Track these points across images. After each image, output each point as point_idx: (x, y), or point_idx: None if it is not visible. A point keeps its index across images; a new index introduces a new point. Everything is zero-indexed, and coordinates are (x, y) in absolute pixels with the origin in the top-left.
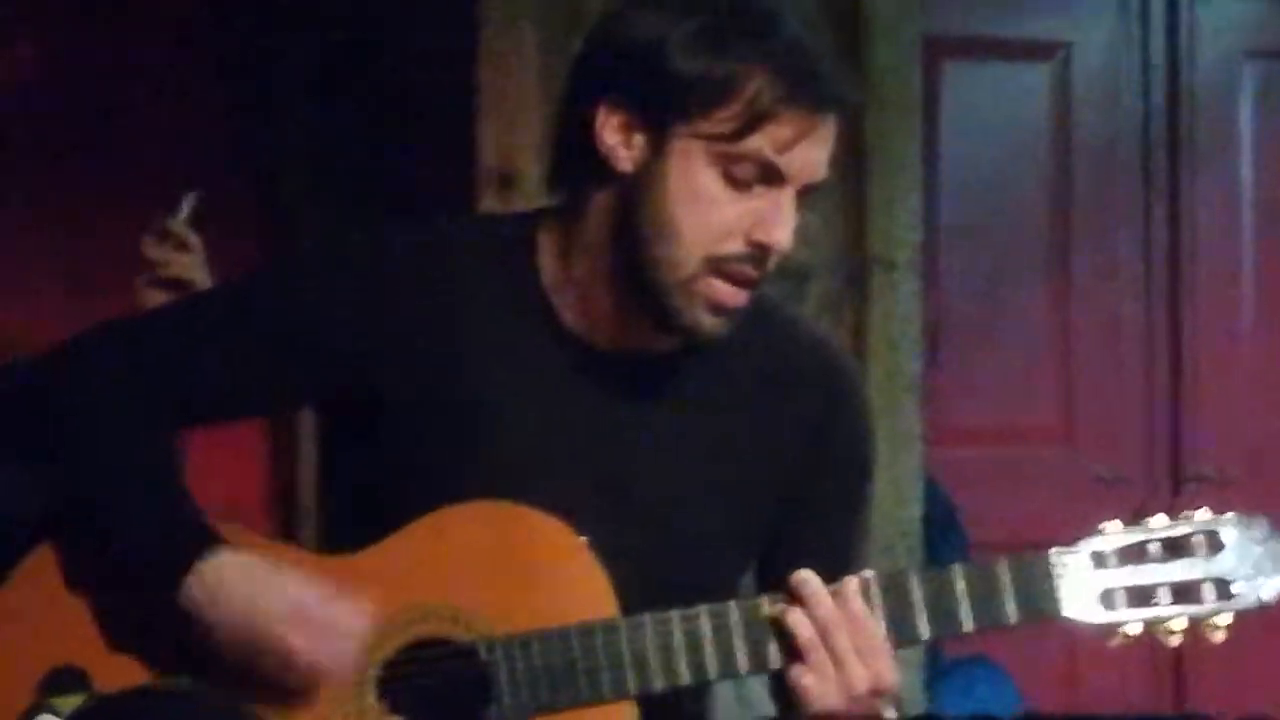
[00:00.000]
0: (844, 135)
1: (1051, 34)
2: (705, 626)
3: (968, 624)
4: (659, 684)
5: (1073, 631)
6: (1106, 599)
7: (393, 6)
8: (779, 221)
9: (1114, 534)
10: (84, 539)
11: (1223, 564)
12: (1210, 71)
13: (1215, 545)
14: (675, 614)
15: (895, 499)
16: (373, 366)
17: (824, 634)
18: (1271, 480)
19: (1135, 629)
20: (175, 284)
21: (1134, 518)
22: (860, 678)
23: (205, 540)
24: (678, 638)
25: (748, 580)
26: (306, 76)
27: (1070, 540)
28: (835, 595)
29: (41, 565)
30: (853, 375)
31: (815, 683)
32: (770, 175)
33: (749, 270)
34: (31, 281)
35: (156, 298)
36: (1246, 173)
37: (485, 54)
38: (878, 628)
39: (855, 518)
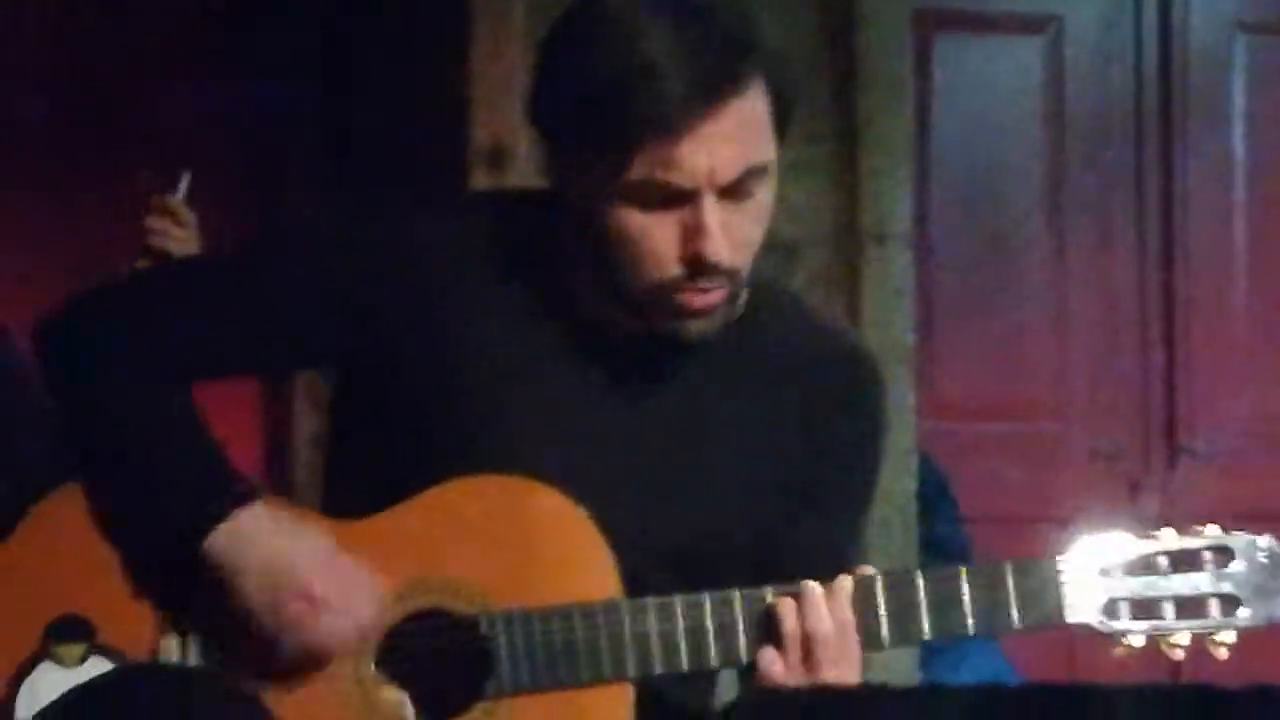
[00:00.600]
0: (826, 104)
1: (1043, 6)
2: (708, 613)
3: (971, 626)
4: (659, 668)
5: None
6: (1111, 609)
7: None
8: (702, 234)
9: (1122, 544)
10: (109, 486)
11: (1230, 580)
12: (1202, 44)
13: (1224, 561)
14: (679, 599)
15: (889, 474)
16: (391, 332)
17: (809, 638)
18: (1265, 455)
19: (1138, 640)
20: (164, 257)
21: (1129, 492)
22: (826, 679)
23: (241, 490)
24: (680, 623)
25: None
26: (299, 55)
27: (1065, 516)
28: (830, 599)
29: (47, 515)
30: (874, 372)
31: (783, 674)
32: (675, 193)
33: (701, 282)
34: (28, 268)
35: None
36: (1239, 145)
37: (477, 31)
38: (858, 636)
39: (859, 512)
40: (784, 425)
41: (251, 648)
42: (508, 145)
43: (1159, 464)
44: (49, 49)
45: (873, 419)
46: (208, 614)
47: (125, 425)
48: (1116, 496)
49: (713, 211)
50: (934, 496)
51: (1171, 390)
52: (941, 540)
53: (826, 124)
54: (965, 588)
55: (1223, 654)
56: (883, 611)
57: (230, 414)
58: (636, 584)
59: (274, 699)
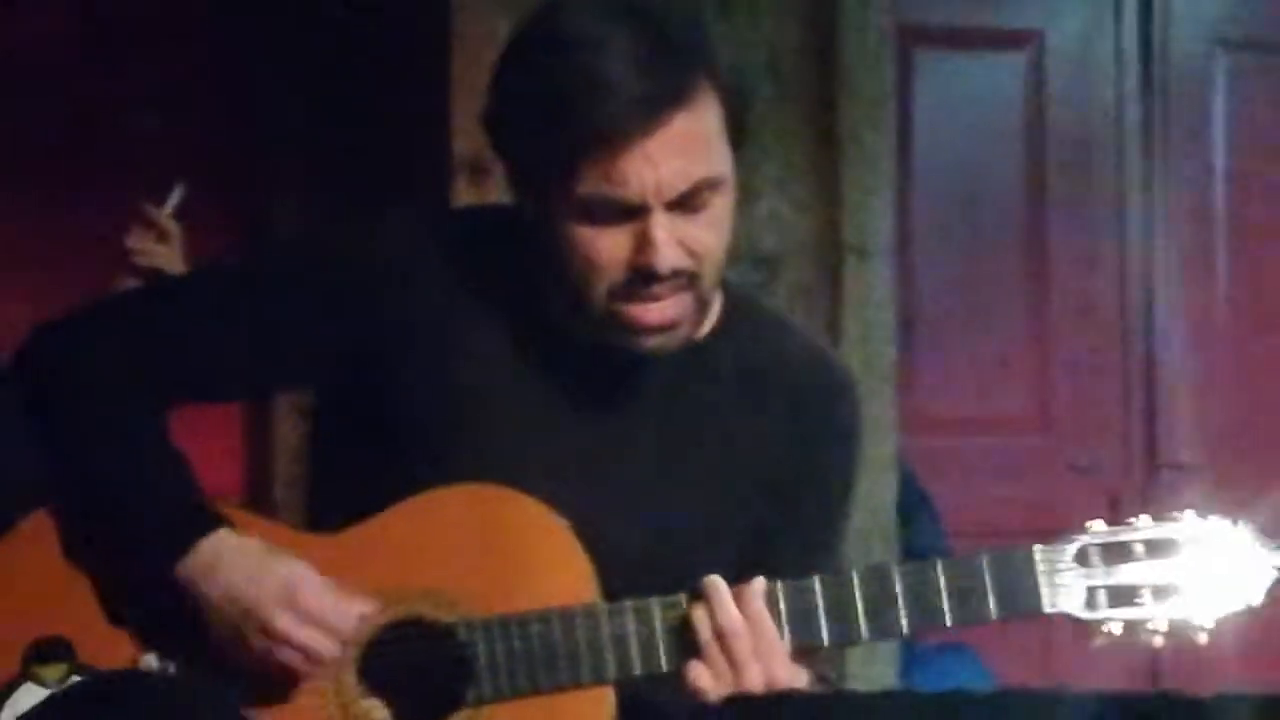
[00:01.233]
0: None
1: (1024, 23)
2: (686, 614)
3: (948, 618)
4: (638, 670)
5: (1050, 624)
6: (1089, 597)
7: None
8: (650, 245)
9: (1098, 533)
10: (82, 509)
11: (1208, 566)
12: (1183, 60)
13: (1201, 547)
14: (656, 601)
15: (869, 487)
16: (370, 348)
17: (722, 637)
18: (1245, 467)
19: (1117, 628)
20: (153, 275)
21: (1109, 506)
22: (754, 679)
23: (206, 518)
24: (658, 625)
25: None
26: (281, 66)
27: (1046, 529)
28: (738, 597)
29: (27, 535)
30: (848, 384)
31: (710, 682)
32: (623, 207)
33: (651, 290)
34: (8, 278)
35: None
36: (1219, 161)
37: (457, 41)
38: (775, 629)
39: (834, 522)
40: (758, 435)
41: (228, 668)
42: (489, 158)
43: (1139, 478)
44: (39, 64)
45: (846, 429)
46: (183, 636)
47: (93, 452)
48: (1096, 510)
49: (661, 226)
50: (915, 509)
51: (1152, 405)
52: (923, 553)
53: (809, 138)
54: (941, 579)
55: (1203, 640)
56: (860, 608)
57: (212, 424)
58: (614, 588)
59: (254, 712)
